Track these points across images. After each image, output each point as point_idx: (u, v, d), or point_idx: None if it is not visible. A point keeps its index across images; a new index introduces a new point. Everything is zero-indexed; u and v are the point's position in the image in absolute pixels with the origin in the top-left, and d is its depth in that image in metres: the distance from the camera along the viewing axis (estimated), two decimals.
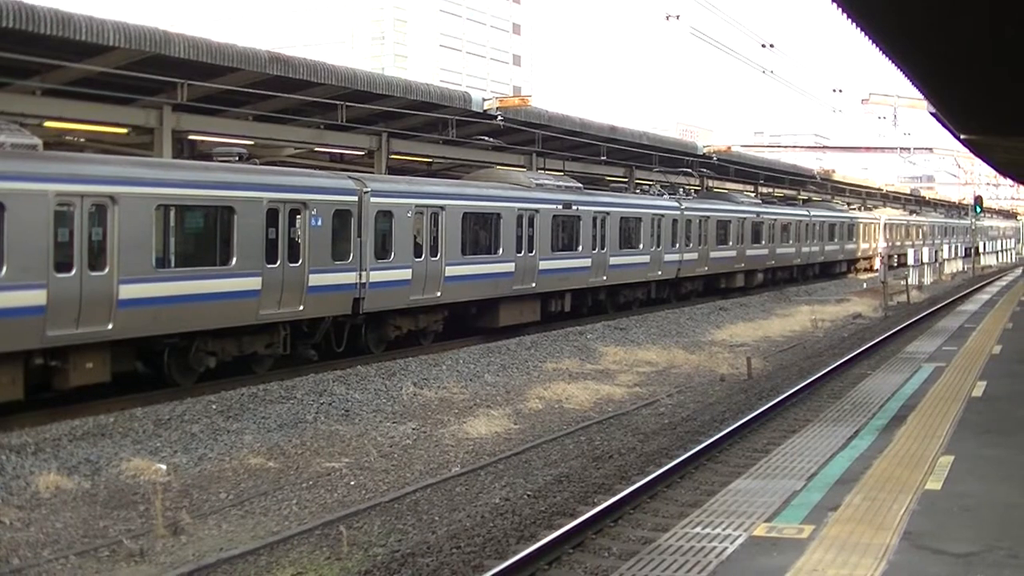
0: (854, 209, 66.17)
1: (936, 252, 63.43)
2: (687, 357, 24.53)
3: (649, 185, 39.83)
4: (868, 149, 72.38)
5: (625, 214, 33.12)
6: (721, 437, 15.30)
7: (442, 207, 24.21)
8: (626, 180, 40.92)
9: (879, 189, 74.45)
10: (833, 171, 61.89)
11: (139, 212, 16.94)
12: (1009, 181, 76.40)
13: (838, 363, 22.98)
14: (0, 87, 18.68)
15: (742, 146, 54.24)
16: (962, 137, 28.33)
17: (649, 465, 14.05)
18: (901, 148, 61.86)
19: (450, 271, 24.34)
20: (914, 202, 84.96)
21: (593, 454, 14.88)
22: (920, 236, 74.81)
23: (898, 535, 8.34)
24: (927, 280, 54.60)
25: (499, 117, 27.61)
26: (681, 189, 41.54)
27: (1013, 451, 11.54)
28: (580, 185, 32.20)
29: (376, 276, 21.90)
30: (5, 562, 10.16)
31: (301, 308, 20.07)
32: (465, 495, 12.75)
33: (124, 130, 21.83)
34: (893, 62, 14.75)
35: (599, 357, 24.36)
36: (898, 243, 68.42)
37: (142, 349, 17.83)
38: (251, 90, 21.85)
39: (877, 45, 13.43)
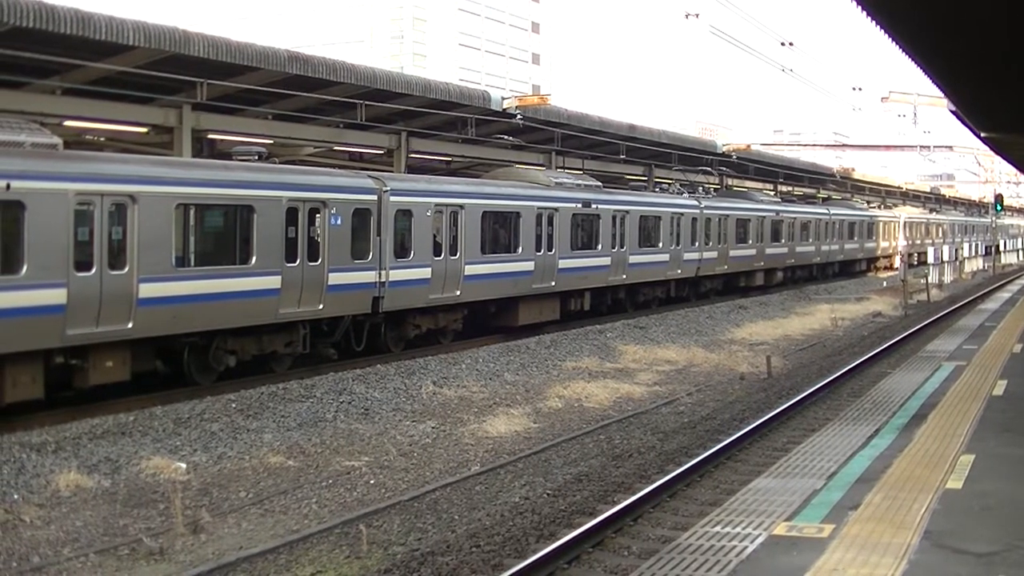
0: (874, 207, 65.87)
1: (956, 250, 63.03)
2: (707, 356, 24.47)
3: (668, 183, 39.75)
4: (888, 147, 71.88)
5: (645, 213, 33.04)
6: (741, 436, 15.26)
7: (461, 206, 24.21)
8: (645, 178, 40.86)
9: (899, 187, 74.06)
10: (853, 169, 61.57)
11: (159, 211, 16.99)
12: None
13: (858, 362, 22.89)
14: (21, 86, 18.78)
15: (761, 144, 53.98)
16: (983, 135, 28.18)
17: (669, 464, 14.02)
18: (921, 146, 61.47)
19: (469, 270, 24.34)
20: (934, 200, 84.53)
21: (613, 453, 14.86)
22: (940, 234, 74.43)
23: (919, 534, 8.30)
24: (947, 278, 54.29)
25: (518, 116, 27.59)
26: (701, 188, 41.42)
27: None
28: (599, 184, 32.15)
29: (395, 275, 21.92)
30: (26, 560, 10.22)
31: (321, 307, 20.11)
32: (485, 494, 12.75)
33: (144, 129, 21.92)
34: (912, 59, 14.68)
35: (619, 356, 24.32)
36: (918, 241, 68.12)
37: (162, 348, 17.88)
38: (270, 89, 21.90)
39: (896, 42, 13.37)
